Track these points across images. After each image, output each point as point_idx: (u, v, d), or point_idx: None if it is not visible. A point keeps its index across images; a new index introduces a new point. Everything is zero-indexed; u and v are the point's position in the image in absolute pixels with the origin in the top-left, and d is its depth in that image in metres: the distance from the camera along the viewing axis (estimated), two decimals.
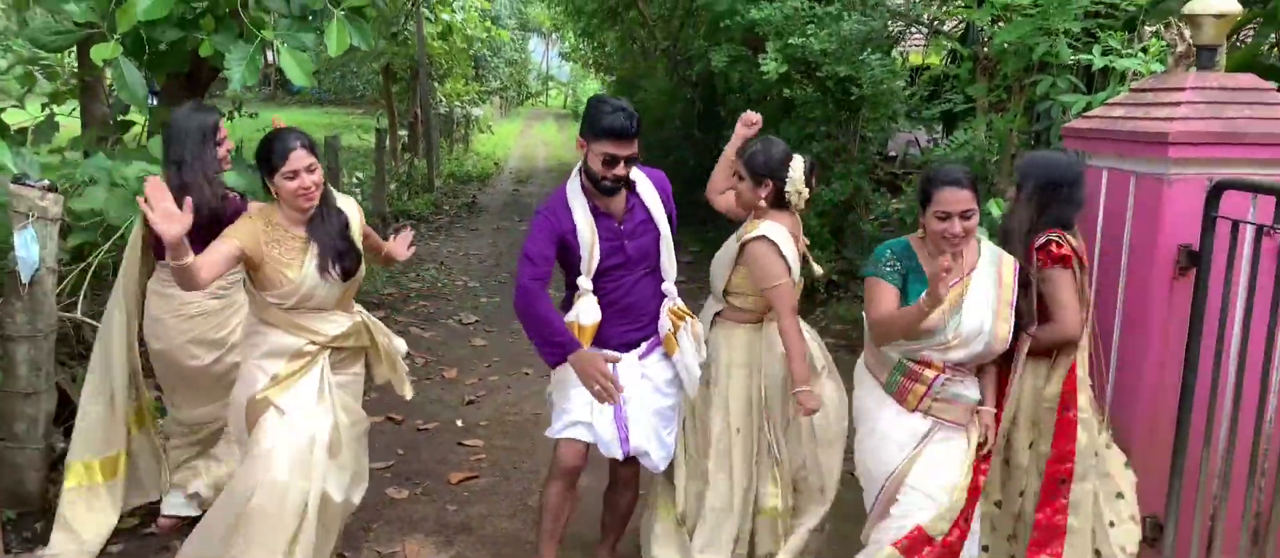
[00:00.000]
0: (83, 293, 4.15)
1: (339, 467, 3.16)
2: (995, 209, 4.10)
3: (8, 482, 3.52)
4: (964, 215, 2.84)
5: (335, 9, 5.20)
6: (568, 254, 3.19)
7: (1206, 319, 3.05)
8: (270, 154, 2.99)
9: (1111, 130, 3.37)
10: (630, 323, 3.31)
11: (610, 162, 3.04)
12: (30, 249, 3.38)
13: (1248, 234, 2.98)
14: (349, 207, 3.26)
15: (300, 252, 3.06)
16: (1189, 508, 3.14)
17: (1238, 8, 3.26)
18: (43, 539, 3.53)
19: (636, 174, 3.26)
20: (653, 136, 11.50)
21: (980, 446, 3.02)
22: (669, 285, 3.35)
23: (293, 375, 3.07)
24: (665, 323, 3.31)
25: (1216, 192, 2.98)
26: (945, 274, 2.64)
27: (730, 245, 3.36)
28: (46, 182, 3.51)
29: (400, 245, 3.49)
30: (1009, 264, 3.01)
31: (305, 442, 3.00)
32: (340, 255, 3.09)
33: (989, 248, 3.05)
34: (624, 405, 3.22)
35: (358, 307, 3.33)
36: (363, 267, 3.24)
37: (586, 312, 3.20)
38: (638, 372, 3.30)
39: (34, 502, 3.63)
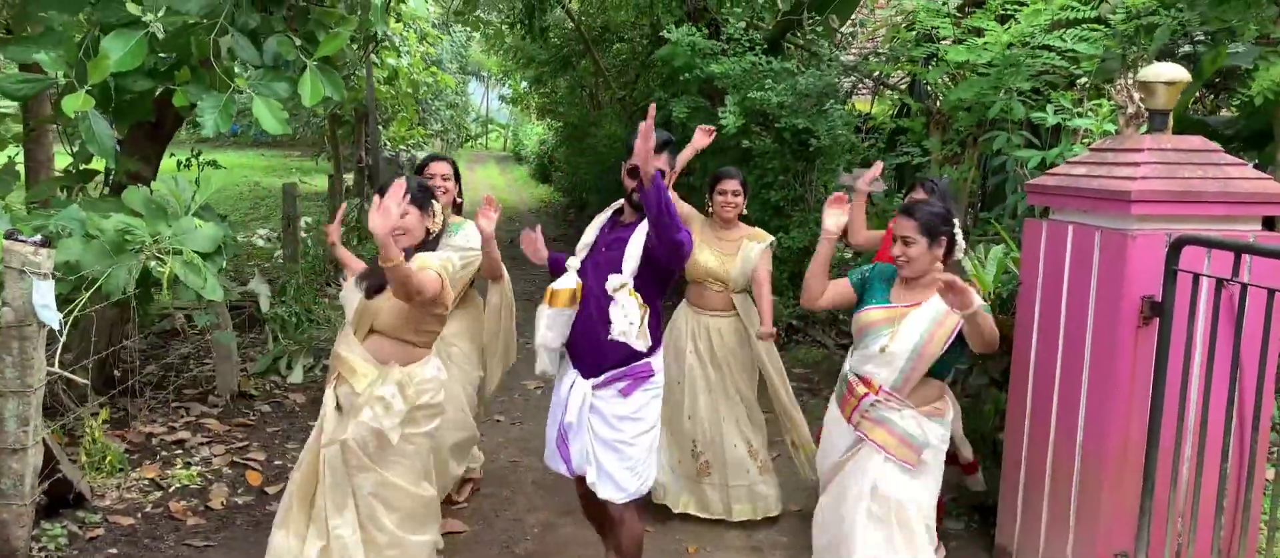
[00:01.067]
0: (63, 345, 4.09)
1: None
2: (966, 261, 4.30)
3: None
4: (904, 241, 3.20)
5: (309, 60, 5.24)
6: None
7: (1170, 365, 3.27)
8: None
9: (1075, 188, 3.60)
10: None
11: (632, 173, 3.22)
12: (49, 301, 3.39)
13: (1206, 286, 3.21)
14: (439, 259, 3.19)
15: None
16: (1158, 546, 3.33)
17: (1186, 76, 3.52)
18: None
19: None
20: (604, 180, 11.65)
21: None
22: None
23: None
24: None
25: (1177, 246, 3.20)
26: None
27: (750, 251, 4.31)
28: (40, 237, 3.49)
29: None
30: (953, 319, 3.12)
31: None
32: (375, 277, 3.21)
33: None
34: (567, 428, 3.37)
35: (399, 374, 3.14)
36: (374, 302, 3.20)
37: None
38: (588, 403, 3.34)
39: (19, 556, 3.57)
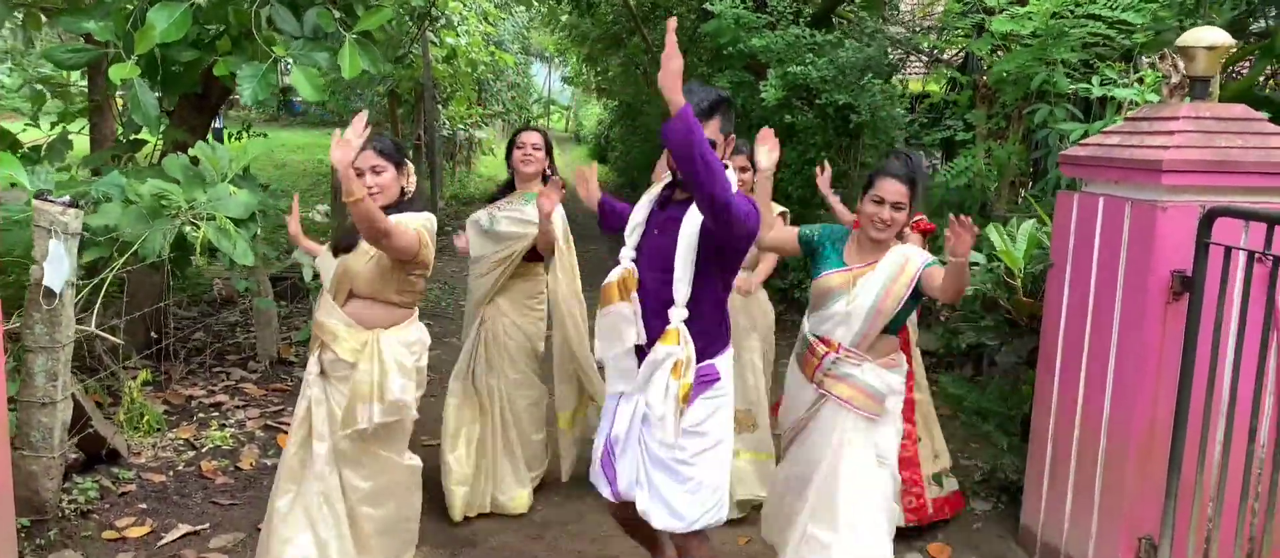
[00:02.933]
0: (96, 307, 4.22)
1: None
2: (994, 235, 4.17)
3: (22, 490, 3.57)
4: (895, 205, 3.06)
5: (347, 33, 5.30)
6: None
7: (1200, 343, 3.13)
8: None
9: (1107, 158, 3.46)
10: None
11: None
12: (63, 262, 3.46)
13: (1240, 260, 3.06)
14: (420, 219, 3.14)
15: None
16: (1183, 529, 3.20)
17: (1229, 40, 3.36)
18: (56, 547, 3.59)
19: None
20: (655, 159, 11.59)
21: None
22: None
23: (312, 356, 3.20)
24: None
25: (1209, 218, 3.06)
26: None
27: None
28: (68, 198, 3.58)
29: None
30: (914, 263, 3.08)
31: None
32: (344, 235, 3.20)
33: (908, 247, 3.19)
34: (614, 451, 2.93)
35: (384, 336, 3.13)
36: (348, 264, 3.14)
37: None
38: (639, 415, 2.88)
39: (48, 510, 3.68)
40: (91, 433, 4.06)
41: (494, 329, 4.24)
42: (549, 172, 4.26)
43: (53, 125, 6.47)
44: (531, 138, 4.26)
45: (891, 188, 3.07)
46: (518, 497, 4.28)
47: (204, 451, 4.66)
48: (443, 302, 8.81)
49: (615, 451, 2.93)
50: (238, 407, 5.24)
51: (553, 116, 42.78)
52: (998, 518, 4.27)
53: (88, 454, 4.21)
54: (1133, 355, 3.34)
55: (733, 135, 2.88)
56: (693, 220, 2.75)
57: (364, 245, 3.10)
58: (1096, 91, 4.65)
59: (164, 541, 3.79)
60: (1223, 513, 3.09)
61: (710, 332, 2.84)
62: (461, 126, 20.11)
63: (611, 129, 18.74)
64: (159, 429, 4.76)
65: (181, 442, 4.71)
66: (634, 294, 2.83)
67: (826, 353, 3.13)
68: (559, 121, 42.32)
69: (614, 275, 2.87)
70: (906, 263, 3.08)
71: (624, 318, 2.82)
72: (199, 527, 3.92)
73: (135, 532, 3.81)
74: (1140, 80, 4.45)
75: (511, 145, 4.31)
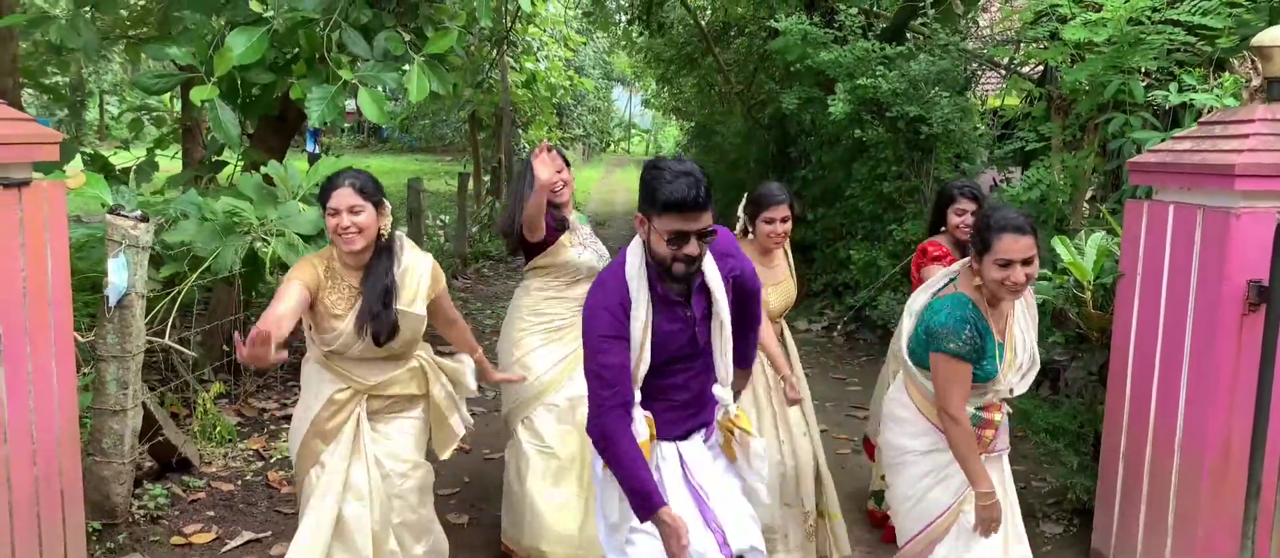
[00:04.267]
0: (171, 320, 4.38)
1: (394, 524, 3.11)
2: (1061, 248, 4.02)
3: (94, 495, 3.72)
4: (1025, 263, 2.65)
5: (416, 55, 5.43)
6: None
7: (1279, 357, 2.95)
8: (323, 190, 2.94)
9: (1177, 164, 3.31)
10: (691, 416, 2.66)
11: (679, 240, 2.37)
12: (121, 275, 3.60)
13: None
14: (422, 266, 3.09)
15: (350, 300, 2.95)
16: (1264, 557, 3.01)
17: None
18: (125, 551, 3.72)
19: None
20: (729, 177, 11.59)
21: None
22: (722, 391, 2.63)
23: (335, 424, 3.01)
24: (717, 435, 2.72)
25: None
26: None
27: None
28: (139, 212, 3.74)
29: (485, 370, 3.39)
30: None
31: (334, 510, 2.98)
32: (373, 318, 2.93)
33: None
34: (707, 500, 2.59)
35: (424, 350, 3.20)
36: (412, 330, 3.04)
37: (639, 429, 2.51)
38: (709, 456, 2.69)
39: (119, 515, 3.82)
40: (162, 441, 4.20)
41: None
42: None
43: (148, 150, 6.76)
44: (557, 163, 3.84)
45: (1015, 244, 2.63)
46: None
47: (272, 461, 4.78)
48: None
49: (711, 505, 2.59)
50: None
51: (633, 139, 43.15)
52: (1068, 542, 4.09)
53: (159, 462, 4.36)
54: (1206, 370, 3.17)
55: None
56: (721, 299, 2.59)
57: (408, 316, 3.02)
58: (1174, 99, 4.46)
59: (228, 547, 3.89)
60: None
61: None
62: None
63: (687, 150, 18.79)
64: (231, 440, 4.91)
65: (251, 452, 4.85)
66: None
67: (1001, 418, 2.89)
68: (640, 145, 42.65)
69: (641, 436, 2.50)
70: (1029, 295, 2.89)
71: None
72: (261, 535, 4.01)
73: (201, 538, 3.92)
74: (1218, 86, 4.26)
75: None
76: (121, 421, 3.71)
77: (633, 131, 42.37)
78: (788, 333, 3.87)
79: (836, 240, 8.26)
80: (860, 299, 7.55)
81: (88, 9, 6.18)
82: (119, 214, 3.64)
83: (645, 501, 2.38)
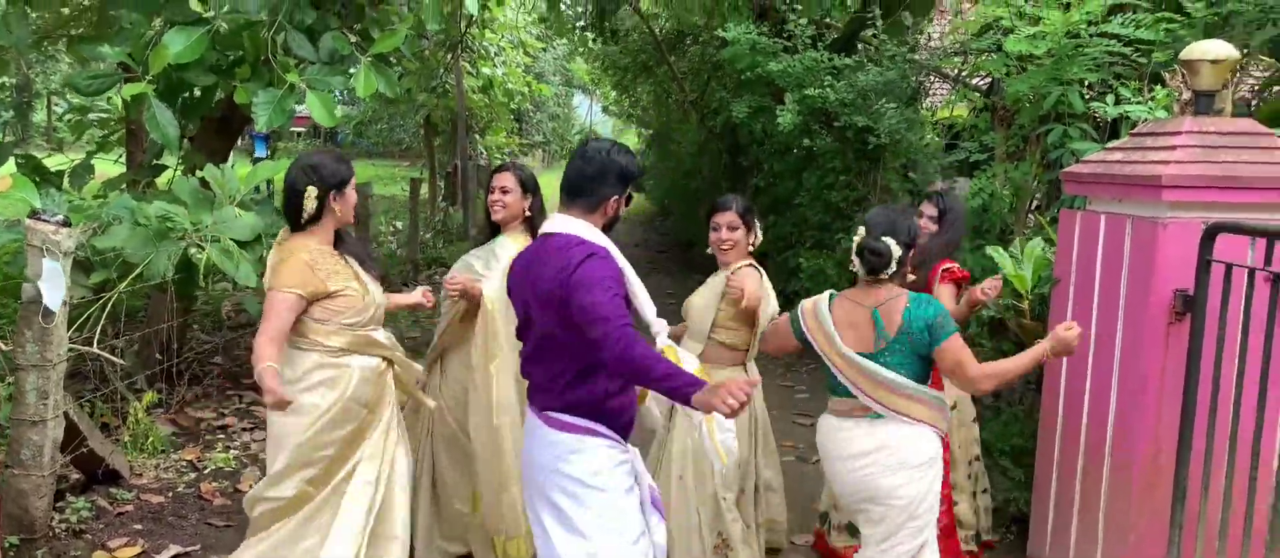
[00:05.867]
0: (101, 327, 4.26)
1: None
2: (999, 258, 4.05)
3: (12, 508, 3.60)
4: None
5: (362, 56, 5.36)
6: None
7: (1203, 365, 2.99)
8: (338, 170, 3.11)
9: (1108, 174, 3.35)
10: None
11: (629, 198, 2.75)
12: (60, 279, 3.50)
13: (1243, 278, 2.93)
14: None
15: (348, 268, 3.15)
16: (1189, 555, 3.05)
17: (1234, 53, 3.25)
18: None
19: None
20: (685, 186, 11.60)
21: None
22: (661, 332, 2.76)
23: (377, 396, 3.17)
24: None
25: (1210, 235, 2.94)
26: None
27: (714, 281, 3.57)
28: (61, 216, 3.63)
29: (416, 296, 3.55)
30: None
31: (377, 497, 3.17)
32: (372, 258, 3.26)
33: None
34: (654, 492, 2.77)
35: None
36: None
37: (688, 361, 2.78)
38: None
39: (37, 529, 3.70)
40: (87, 452, 4.08)
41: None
42: (528, 212, 3.68)
43: (89, 154, 6.59)
44: (503, 180, 3.68)
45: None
46: None
47: (206, 472, 4.67)
48: None
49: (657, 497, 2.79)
50: (245, 429, 5.26)
51: None
52: (1006, 550, 4.11)
53: (85, 473, 4.24)
54: (1135, 379, 3.20)
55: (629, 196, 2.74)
56: None
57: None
58: (1111, 111, 4.53)
59: None
60: (1228, 545, 2.94)
61: None
62: (500, 156, 20.27)
63: (645, 157, 18.82)
64: (164, 450, 4.79)
65: (184, 463, 4.73)
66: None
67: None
68: None
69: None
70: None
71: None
72: (190, 548, 3.91)
73: (126, 553, 3.81)
74: (1151, 99, 4.32)
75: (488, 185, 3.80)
76: (41, 432, 3.59)
77: (594, 138, 42.28)
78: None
79: (787, 249, 8.28)
80: None
81: (22, 6, 6.02)
82: (40, 219, 3.53)
83: (690, 382, 2.38)
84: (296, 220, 3.11)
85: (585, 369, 2.58)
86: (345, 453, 3.11)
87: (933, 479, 2.99)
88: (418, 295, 3.53)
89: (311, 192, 3.05)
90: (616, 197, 2.67)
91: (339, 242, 3.20)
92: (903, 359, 2.94)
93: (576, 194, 2.66)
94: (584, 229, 2.62)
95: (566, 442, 2.61)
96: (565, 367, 2.61)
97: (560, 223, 2.65)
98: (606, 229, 2.69)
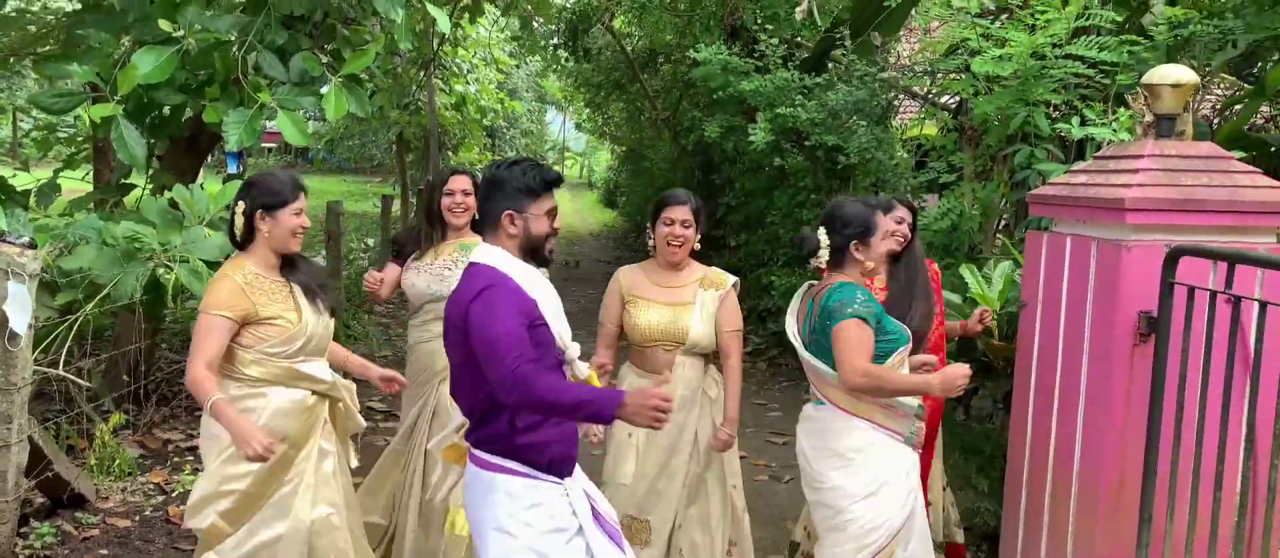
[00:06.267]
0: (68, 349, 4.21)
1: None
2: (969, 276, 4.11)
3: None
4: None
5: (333, 76, 5.34)
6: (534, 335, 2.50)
7: (1167, 387, 3.04)
8: (279, 190, 2.95)
9: (1073, 197, 3.40)
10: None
11: (554, 214, 2.61)
12: (27, 302, 3.45)
13: (1205, 300, 2.98)
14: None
15: (287, 295, 2.99)
16: None
17: (1194, 78, 3.32)
18: None
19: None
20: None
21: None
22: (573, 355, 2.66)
23: (305, 439, 3.01)
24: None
25: (1173, 257, 2.99)
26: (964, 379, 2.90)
27: (706, 301, 3.48)
28: (27, 238, 3.59)
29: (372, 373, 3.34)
30: None
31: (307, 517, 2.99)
32: (323, 288, 3.10)
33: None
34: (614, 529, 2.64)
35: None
36: (326, 327, 3.12)
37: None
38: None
39: (2, 555, 3.64)
40: (52, 476, 4.02)
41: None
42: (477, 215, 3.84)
43: (57, 171, 6.51)
44: (461, 183, 3.77)
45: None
46: None
47: (174, 495, 4.61)
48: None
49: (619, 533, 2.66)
50: None
51: (568, 163, 43.10)
52: None
53: (50, 498, 4.17)
54: (1101, 399, 3.25)
55: (557, 211, 2.67)
56: None
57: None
58: (1076, 133, 4.62)
59: None
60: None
61: None
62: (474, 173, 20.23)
63: (618, 174, 18.85)
64: (130, 473, 4.73)
65: (152, 486, 4.67)
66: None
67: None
68: (574, 169, 42.64)
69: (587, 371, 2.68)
70: None
71: None
72: None
73: None
74: (1117, 120, 4.41)
75: (438, 190, 3.85)
76: (4, 457, 3.54)
77: (566, 155, 42.34)
78: (687, 369, 3.49)
79: (759, 267, 8.33)
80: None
81: None
82: (5, 241, 3.48)
83: (607, 401, 2.36)
84: (234, 240, 3.04)
85: (492, 404, 2.46)
86: (263, 490, 2.93)
87: (875, 491, 2.94)
88: (380, 374, 3.33)
89: (240, 208, 2.95)
90: (511, 210, 2.51)
91: (288, 266, 3.06)
92: (822, 346, 2.99)
93: (483, 220, 2.59)
94: (494, 256, 2.52)
95: (483, 479, 2.52)
96: (476, 401, 2.51)
97: (478, 252, 2.57)
98: (534, 251, 2.57)
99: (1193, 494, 2.93)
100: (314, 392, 3.05)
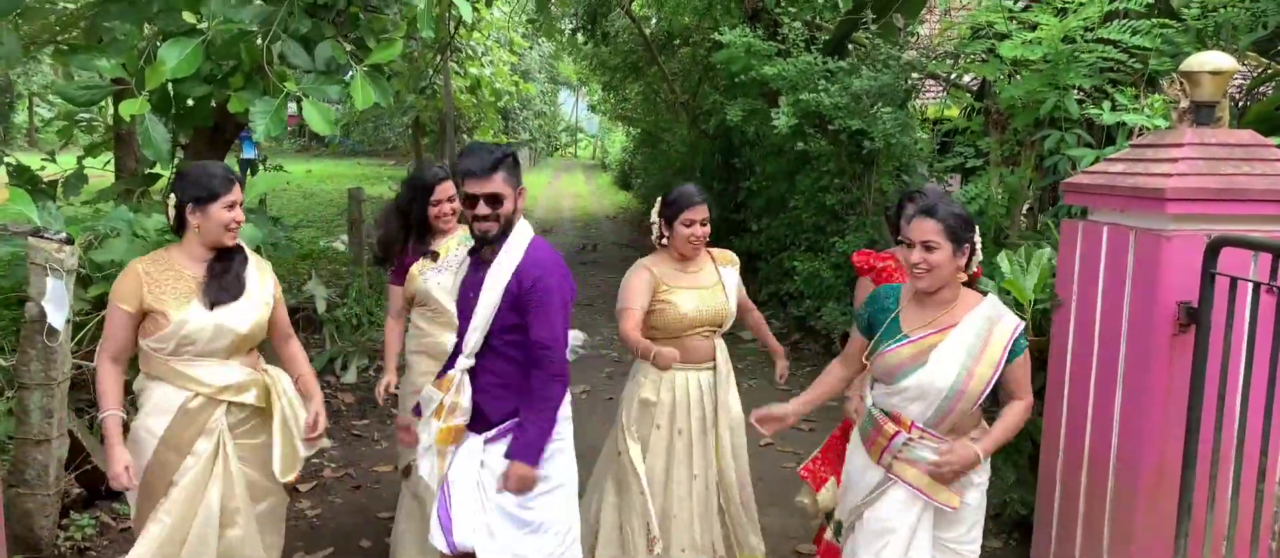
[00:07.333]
0: (100, 342, 4.23)
1: (239, 543, 2.97)
2: (1005, 264, 4.08)
3: (17, 528, 3.58)
4: (926, 246, 2.74)
5: (357, 66, 5.34)
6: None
7: (1208, 378, 3.02)
8: (210, 183, 2.87)
9: (1110, 186, 3.37)
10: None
11: (469, 202, 2.79)
12: (65, 298, 3.48)
13: (1248, 290, 2.96)
14: (264, 267, 3.13)
15: (189, 291, 2.87)
16: None
17: (1234, 64, 3.27)
18: None
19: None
20: (675, 185, 11.59)
21: None
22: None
23: (189, 437, 2.88)
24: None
25: (1214, 248, 2.96)
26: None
27: (729, 279, 3.68)
28: (63, 234, 3.61)
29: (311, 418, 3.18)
30: (1005, 330, 2.79)
31: (192, 525, 2.86)
32: (221, 276, 2.92)
33: (990, 304, 2.87)
34: (448, 488, 2.83)
35: (270, 369, 3.12)
36: (254, 318, 3.00)
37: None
38: (476, 459, 2.86)
39: (43, 548, 3.68)
40: (91, 468, 4.06)
41: None
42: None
43: (78, 160, 6.54)
44: (449, 190, 3.70)
45: (921, 227, 2.73)
46: None
47: None
48: None
49: (451, 495, 2.81)
50: None
51: (580, 144, 43.07)
52: (1009, 556, 4.15)
53: (88, 489, 4.21)
54: (1139, 391, 3.23)
55: (523, 188, 2.90)
56: (494, 287, 2.80)
57: (249, 297, 3.01)
58: (1107, 118, 4.57)
59: None
60: (1234, 550, 2.97)
61: (513, 387, 2.85)
62: None
63: (634, 156, 18.81)
64: None
65: None
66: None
67: (897, 433, 2.77)
68: (587, 150, 42.59)
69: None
70: (992, 330, 2.74)
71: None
72: None
73: None
74: (1148, 107, 4.36)
75: (424, 195, 3.70)
76: (46, 451, 3.57)
77: (579, 136, 42.29)
78: (721, 350, 3.68)
79: (781, 251, 8.31)
80: (804, 310, 7.61)
81: (15, 19, 5.97)
82: (42, 236, 3.51)
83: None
84: (174, 230, 2.99)
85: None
86: (150, 493, 2.87)
87: None
88: (313, 414, 3.19)
89: (172, 199, 2.91)
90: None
91: (221, 259, 2.96)
92: None
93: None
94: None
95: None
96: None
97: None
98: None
99: (1234, 486, 2.92)
100: (201, 394, 2.90)
